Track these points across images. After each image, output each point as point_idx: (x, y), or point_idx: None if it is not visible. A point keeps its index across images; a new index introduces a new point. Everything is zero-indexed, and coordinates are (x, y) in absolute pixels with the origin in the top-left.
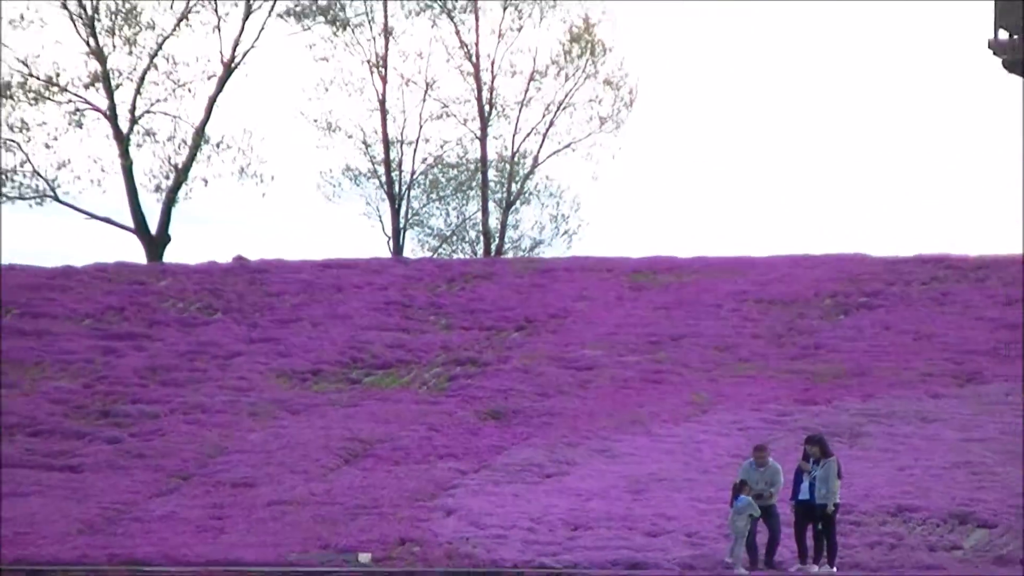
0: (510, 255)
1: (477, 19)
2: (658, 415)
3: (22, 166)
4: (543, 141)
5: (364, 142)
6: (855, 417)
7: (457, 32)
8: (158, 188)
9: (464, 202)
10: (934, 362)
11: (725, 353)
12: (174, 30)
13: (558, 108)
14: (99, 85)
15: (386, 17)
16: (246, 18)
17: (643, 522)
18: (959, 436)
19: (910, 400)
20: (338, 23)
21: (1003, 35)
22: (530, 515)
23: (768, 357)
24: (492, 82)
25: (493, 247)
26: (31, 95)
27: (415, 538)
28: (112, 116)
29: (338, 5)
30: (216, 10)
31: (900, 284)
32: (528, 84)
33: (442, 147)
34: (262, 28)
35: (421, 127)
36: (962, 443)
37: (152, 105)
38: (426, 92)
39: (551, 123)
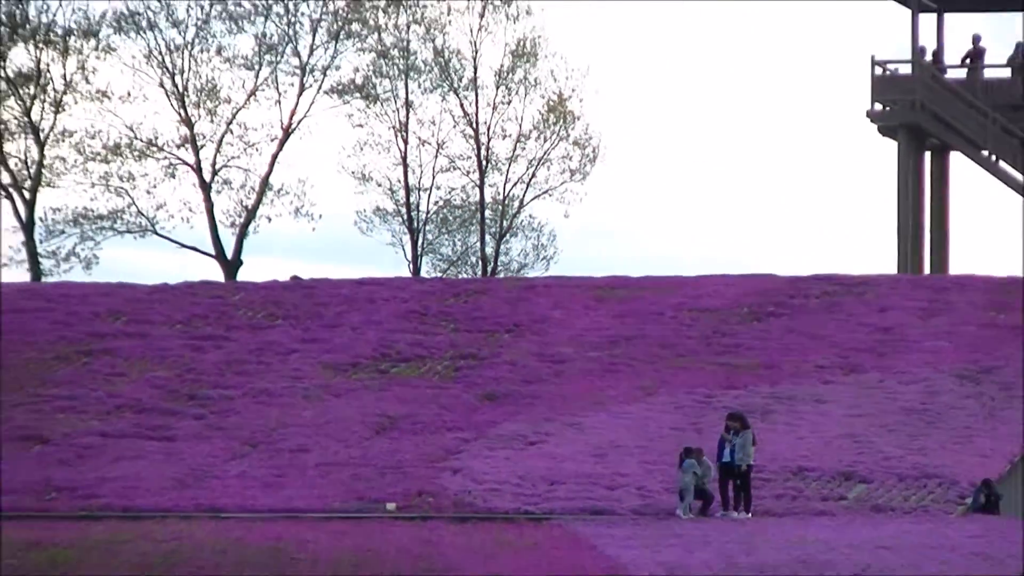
0: (502, 275)
1: (477, 95)
2: (615, 397)
3: (128, 208)
4: (527, 188)
5: (390, 189)
6: (765, 399)
7: (461, 104)
8: (233, 224)
9: (467, 235)
10: (826, 357)
11: (666, 350)
12: (245, 103)
13: (538, 163)
14: (188, 145)
15: (407, 93)
16: (300, 94)
17: (604, 479)
18: (844, 413)
19: (807, 386)
20: (370, 98)
21: (878, 107)
22: (517, 473)
23: (699, 353)
24: (488, 143)
25: (489, 269)
26: (136, 153)
27: (429, 491)
28: (198, 169)
29: (370, 84)
30: (277, 88)
31: (800, 297)
32: (515, 144)
33: (449, 193)
34: (312, 102)
35: (434, 177)
36: (847, 419)
37: (228, 161)
38: (437, 151)
39: (533, 174)
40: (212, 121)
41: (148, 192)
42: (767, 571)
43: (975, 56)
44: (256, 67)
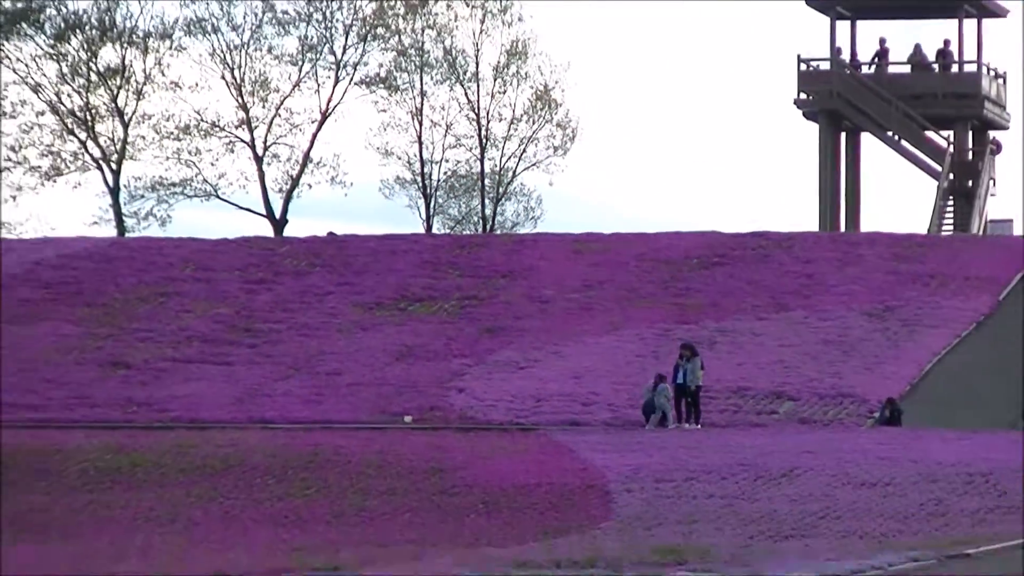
0: (498, 232)
1: (478, 86)
2: (589, 331)
3: (196, 177)
4: (519, 161)
5: (408, 162)
6: (711, 332)
7: (466, 93)
8: (280, 190)
9: (470, 199)
10: (760, 298)
11: (631, 293)
12: (291, 92)
13: (527, 141)
14: (244, 126)
15: (422, 85)
16: (335, 85)
17: (580, 397)
18: (775, 344)
19: (745, 322)
20: (391, 88)
21: (803, 96)
22: (510, 392)
23: (657, 295)
24: (487, 124)
25: (488, 227)
26: (201, 132)
27: (439, 406)
28: (252, 145)
29: (392, 77)
30: (316, 80)
31: (739, 249)
32: (509, 126)
33: (456, 165)
34: (345, 91)
35: (443, 152)
36: (777, 348)
37: (277, 139)
38: (446, 131)
39: (524, 150)
40: (264, 107)
41: (212, 164)
42: (713, 471)
43: (881, 55)
44: (299, 63)
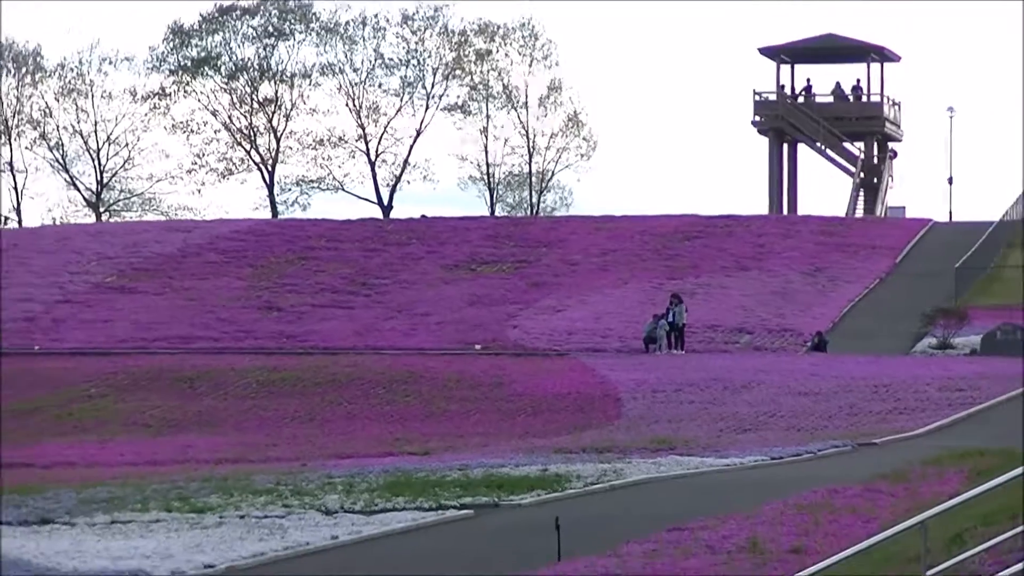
0: (541, 215)
1: (527, 111)
2: (606, 285)
3: (328, 175)
4: (556, 164)
5: (477, 165)
6: (692, 286)
7: (519, 116)
8: (387, 185)
9: (521, 191)
10: (726, 261)
11: (635, 257)
12: (395, 115)
13: (562, 150)
14: (361, 140)
15: (487, 110)
16: (426, 111)
17: (599, 332)
18: (738, 294)
19: (717, 278)
20: (466, 113)
21: (757, 118)
22: (549, 329)
23: (654, 259)
24: (533, 138)
25: (534, 212)
26: (331, 143)
27: (499, 338)
28: (367, 153)
29: (466, 105)
30: (412, 106)
31: (712, 227)
32: (549, 139)
33: (511, 167)
34: (433, 115)
35: (502, 158)
36: (739, 297)
37: (385, 148)
38: (504, 143)
39: (559, 156)
40: (375, 125)
41: (339, 167)
42: (693, 384)
43: (810, 88)
44: (401, 95)
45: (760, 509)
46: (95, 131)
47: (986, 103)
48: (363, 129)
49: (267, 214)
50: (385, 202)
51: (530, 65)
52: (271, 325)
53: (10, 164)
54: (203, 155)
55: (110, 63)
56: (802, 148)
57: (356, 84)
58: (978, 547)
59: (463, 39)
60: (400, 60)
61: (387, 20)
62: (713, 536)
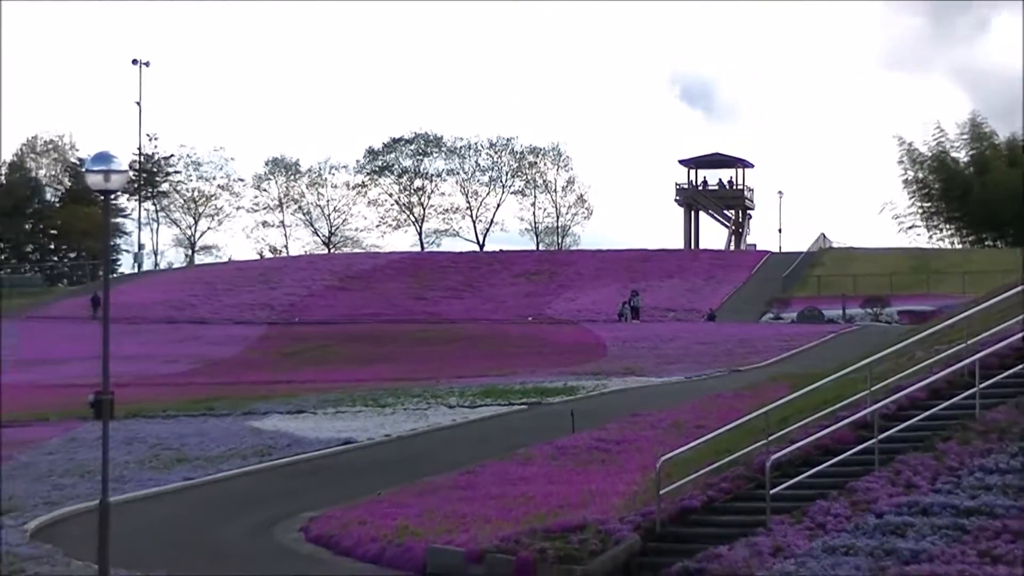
0: (563, 249)
1: (557, 197)
2: (598, 287)
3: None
4: (571, 221)
5: (530, 223)
6: (643, 286)
7: (551, 196)
8: (482, 233)
9: (553, 237)
10: (662, 273)
11: (612, 271)
12: (486, 196)
13: (576, 214)
14: (468, 209)
15: (535, 196)
16: (502, 193)
17: (594, 310)
18: (669, 290)
19: (655, 282)
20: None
21: (678, 197)
22: (568, 309)
23: (621, 272)
24: (557, 209)
25: (560, 246)
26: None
27: (540, 314)
28: (471, 216)
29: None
30: (495, 191)
31: (654, 256)
32: (568, 209)
33: (544, 223)
34: (505, 196)
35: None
36: (669, 292)
37: (480, 214)
38: (534, 210)
39: (572, 217)
40: (476, 200)
41: (456, 224)
42: (645, 338)
43: (706, 182)
44: (489, 185)
45: (680, 405)
46: (327, 204)
47: (802, 186)
48: (468, 203)
49: (418, 248)
50: (480, 242)
51: (557, 170)
52: (421, 307)
53: (282, 222)
54: (384, 217)
55: (334, 168)
56: (702, 214)
57: (466, 179)
58: (796, 424)
59: (522, 155)
60: (488, 166)
61: (481, 144)
62: (655, 418)
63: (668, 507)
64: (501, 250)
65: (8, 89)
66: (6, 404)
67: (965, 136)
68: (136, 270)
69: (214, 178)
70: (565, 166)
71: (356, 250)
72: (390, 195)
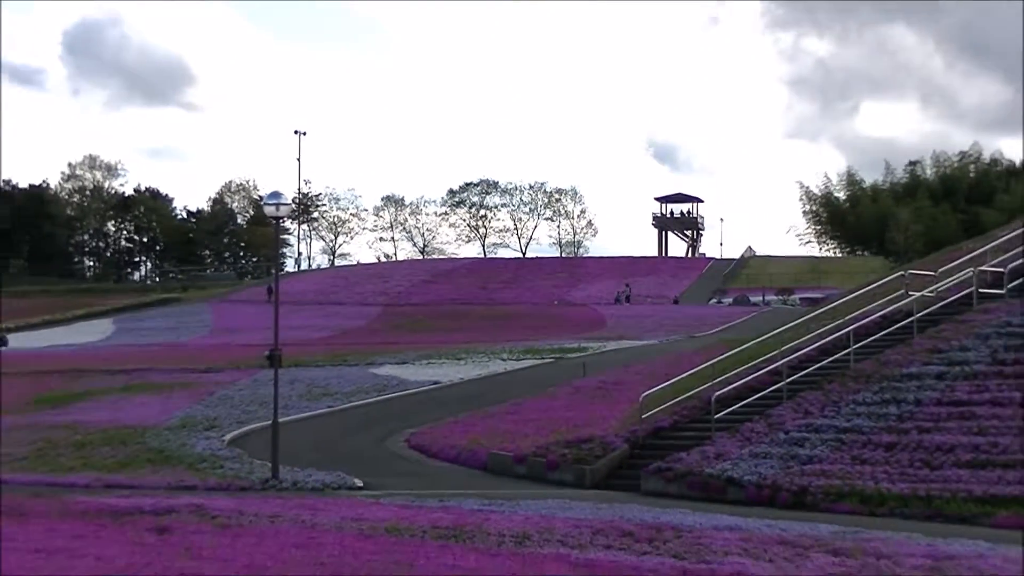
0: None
1: (573, 220)
2: (600, 280)
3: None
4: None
5: (557, 240)
6: (631, 281)
7: (571, 222)
8: (524, 245)
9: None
10: (643, 273)
11: (610, 272)
12: (525, 221)
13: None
14: (515, 230)
15: (559, 223)
16: (537, 220)
17: (597, 297)
18: (647, 285)
19: (639, 279)
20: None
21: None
22: (580, 296)
23: (617, 272)
24: (574, 229)
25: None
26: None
27: (562, 299)
28: (517, 235)
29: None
30: (533, 218)
31: (638, 262)
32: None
33: (563, 242)
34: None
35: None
36: (647, 285)
37: (522, 233)
38: (558, 230)
39: (584, 235)
40: (521, 224)
41: (506, 240)
42: (634, 317)
43: (673, 212)
44: (530, 215)
45: (655, 360)
46: (422, 225)
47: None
48: (515, 225)
49: (481, 256)
50: (523, 252)
51: (574, 203)
52: (483, 294)
53: (392, 238)
54: (460, 235)
55: (427, 202)
56: (670, 233)
57: (513, 209)
58: (732, 372)
59: (551, 193)
60: (528, 200)
61: (524, 186)
62: (639, 368)
63: (647, 427)
64: (537, 257)
65: (216, 151)
66: (215, 357)
67: (843, 182)
68: (296, 269)
69: (347, 208)
70: (579, 201)
71: (441, 257)
72: (464, 220)
